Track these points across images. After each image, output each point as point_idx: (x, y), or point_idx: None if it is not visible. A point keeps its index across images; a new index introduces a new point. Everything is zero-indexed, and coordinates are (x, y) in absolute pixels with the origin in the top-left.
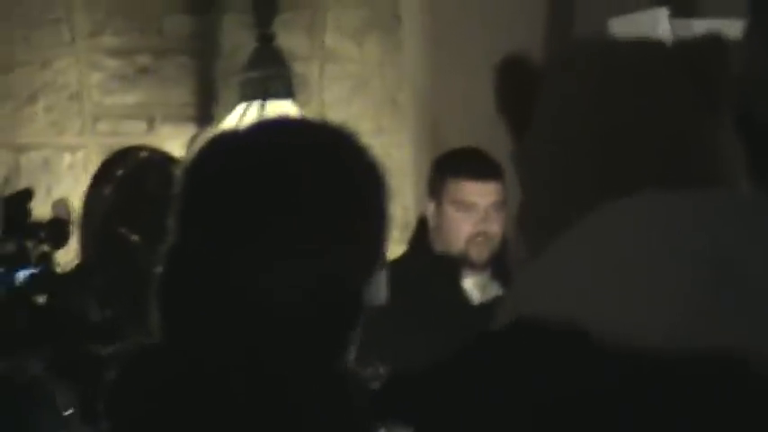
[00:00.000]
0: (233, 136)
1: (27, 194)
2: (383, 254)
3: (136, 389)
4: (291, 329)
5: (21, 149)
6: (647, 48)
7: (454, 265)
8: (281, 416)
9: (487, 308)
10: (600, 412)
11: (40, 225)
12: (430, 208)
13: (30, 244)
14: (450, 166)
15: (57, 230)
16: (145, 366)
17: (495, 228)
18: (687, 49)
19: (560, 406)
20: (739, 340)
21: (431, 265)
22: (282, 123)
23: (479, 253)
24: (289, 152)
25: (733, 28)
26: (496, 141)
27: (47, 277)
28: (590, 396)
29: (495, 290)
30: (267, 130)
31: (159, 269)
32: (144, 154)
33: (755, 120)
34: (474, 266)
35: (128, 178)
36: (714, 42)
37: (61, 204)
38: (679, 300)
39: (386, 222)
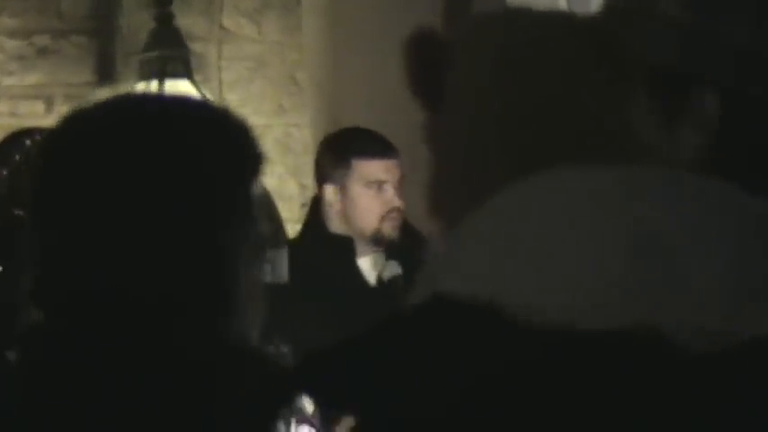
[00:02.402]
0: (81, 114)
1: None
2: (257, 218)
3: (25, 369)
4: (163, 292)
5: None
6: (553, 20)
7: (349, 245)
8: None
9: (384, 287)
10: (519, 390)
11: None
12: (328, 190)
13: None
14: (354, 147)
15: None
16: (30, 345)
17: (402, 204)
18: (592, 21)
19: (478, 383)
20: (659, 315)
21: (326, 245)
22: (138, 98)
23: (393, 229)
24: (140, 124)
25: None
26: (395, 120)
27: None
28: (508, 374)
29: (393, 269)
30: (120, 104)
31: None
32: (40, 136)
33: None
34: (385, 243)
35: (24, 161)
36: (618, 12)
37: None
38: (596, 276)
39: (252, 185)
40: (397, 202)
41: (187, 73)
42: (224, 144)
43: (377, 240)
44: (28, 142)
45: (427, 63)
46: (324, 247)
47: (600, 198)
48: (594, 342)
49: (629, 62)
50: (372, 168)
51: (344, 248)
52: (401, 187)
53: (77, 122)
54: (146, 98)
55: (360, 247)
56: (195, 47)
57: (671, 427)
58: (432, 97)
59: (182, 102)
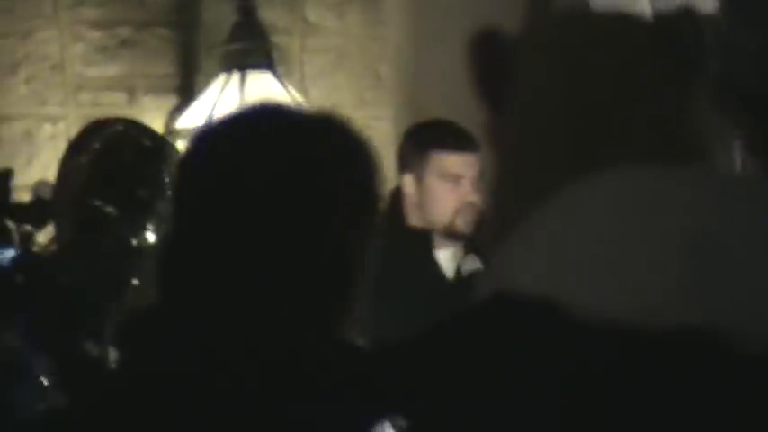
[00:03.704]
0: (226, 126)
1: (7, 174)
2: (374, 218)
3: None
4: (290, 297)
5: (2, 120)
6: (623, 20)
7: (427, 239)
8: (283, 381)
9: (463, 281)
10: (576, 387)
11: (22, 205)
12: (407, 180)
13: (12, 224)
14: (433, 139)
15: (39, 211)
16: (141, 339)
17: (479, 199)
18: (661, 22)
19: (537, 381)
20: (717, 316)
21: (405, 238)
22: (274, 115)
23: (466, 224)
24: (280, 143)
25: (708, 2)
26: (477, 114)
27: (29, 259)
28: (566, 371)
29: (472, 263)
30: (257, 120)
31: (158, 248)
32: (120, 127)
33: (742, 92)
34: (458, 238)
35: (103, 151)
36: (687, 15)
37: (43, 185)
38: (654, 277)
39: (375, 191)
40: (472, 197)
41: (269, 65)
42: (352, 155)
43: (449, 234)
44: (107, 132)
45: (492, 61)
46: (402, 239)
47: (660, 199)
48: (651, 342)
49: (694, 63)
50: (450, 161)
51: (423, 242)
52: (479, 182)
53: (226, 127)
54: (279, 111)
55: (439, 239)
56: (277, 39)
57: (727, 427)
58: (496, 95)
59: (312, 116)
